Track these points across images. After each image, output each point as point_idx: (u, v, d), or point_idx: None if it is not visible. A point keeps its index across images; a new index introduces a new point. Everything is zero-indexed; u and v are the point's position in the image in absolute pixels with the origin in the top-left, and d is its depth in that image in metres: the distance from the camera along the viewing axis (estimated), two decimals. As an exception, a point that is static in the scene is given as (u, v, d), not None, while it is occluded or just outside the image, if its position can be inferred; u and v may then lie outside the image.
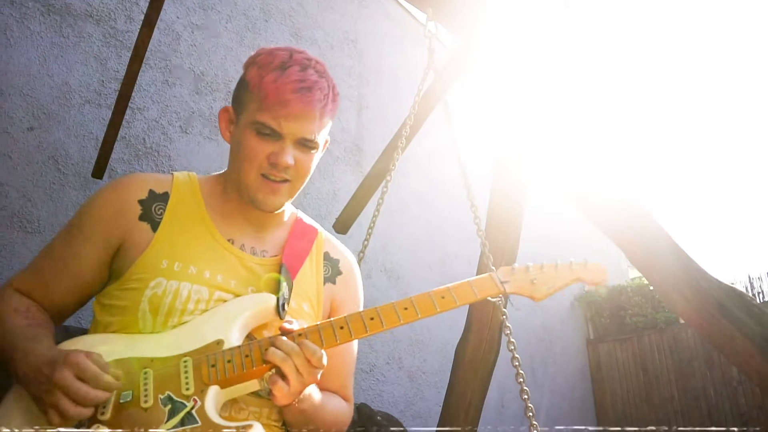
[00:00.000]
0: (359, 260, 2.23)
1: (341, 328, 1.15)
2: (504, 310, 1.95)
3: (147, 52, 2.61)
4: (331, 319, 1.17)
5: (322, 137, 1.22)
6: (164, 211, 1.23)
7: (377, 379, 4.03)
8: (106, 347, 1.10)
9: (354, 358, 1.36)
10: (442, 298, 1.22)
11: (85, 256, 1.20)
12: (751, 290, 5.07)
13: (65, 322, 1.29)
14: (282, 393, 1.05)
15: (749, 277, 5.10)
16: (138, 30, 3.31)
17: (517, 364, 1.80)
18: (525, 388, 1.75)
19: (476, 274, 1.80)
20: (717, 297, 2.09)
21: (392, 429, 2.39)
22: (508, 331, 1.91)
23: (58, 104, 2.98)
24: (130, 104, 2.79)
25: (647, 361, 5.35)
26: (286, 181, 1.20)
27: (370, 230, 2.45)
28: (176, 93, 3.45)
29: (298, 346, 1.07)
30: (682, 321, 5.24)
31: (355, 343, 1.35)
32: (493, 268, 1.98)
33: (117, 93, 3.10)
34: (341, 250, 1.39)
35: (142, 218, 1.20)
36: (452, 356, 2.77)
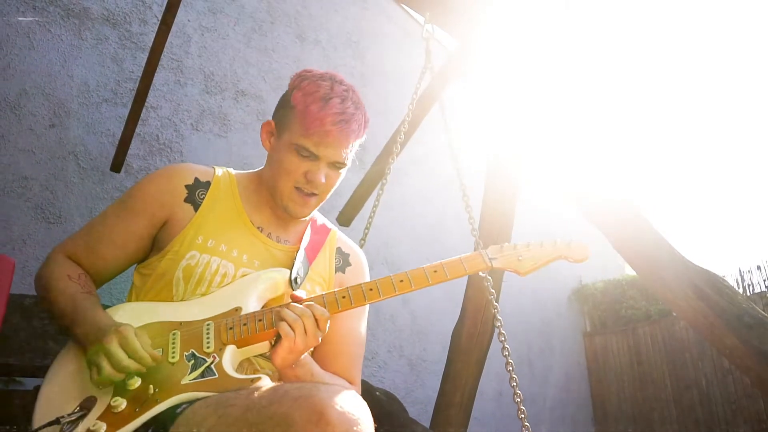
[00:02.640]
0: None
1: (343, 297, 1.30)
2: (491, 290, 2.11)
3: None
4: (335, 290, 1.34)
5: (350, 158, 1.41)
6: (205, 196, 1.41)
7: (379, 366, 4.20)
8: (146, 314, 1.28)
9: (360, 344, 1.48)
10: (435, 272, 1.33)
11: (134, 228, 1.38)
12: (742, 282, 5.19)
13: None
14: (287, 346, 1.19)
15: (740, 270, 5.21)
16: (151, 32, 3.49)
17: (503, 339, 1.96)
18: (510, 360, 1.91)
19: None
20: (692, 279, 2.25)
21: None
22: (496, 310, 2.07)
23: (78, 103, 3.16)
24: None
25: (641, 352, 5.49)
26: (314, 195, 1.39)
27: (370, 220, 2.62)
28: (187, 92, 3.62)
29: (308, 309, 1.23)
30: (675, 313, 5.37)
31: (362, 328, 1.49)
32: (481, 242, 2.14)
33: (132, 92, 3.29)
34: (352, 246, 1.58)
35: (186, 200, 1.39)
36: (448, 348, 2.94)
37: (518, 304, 5.26)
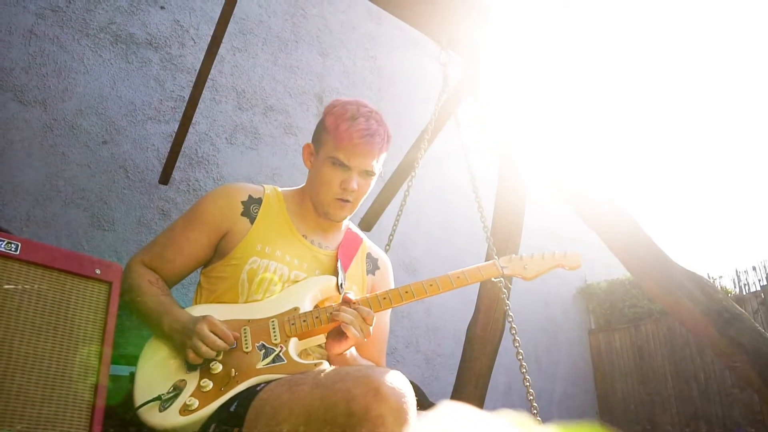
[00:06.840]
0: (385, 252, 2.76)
1: (384, 298, 1.64)
2: (504, 290, 2.41)
3: (195, 74, 3.10)
4: (377, 293, 1.66)
5: (378, 167, 1.71)
6: (258, 210, 1.73)
7: (397, 360, 4.51)
8: (217, 313, 1.57)
9: (386, 334, 1.85)
10: (458, 278, 1.68)
11: (200, 239, 1.69)
12: (738, 282, 5.45)
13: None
14: (350, 337, 1.52)
15: (736, 271, 5.47)
16: (189, 54, 3.82)
17: (514, 332, 2.27)
18: (520, 351, 2.22)
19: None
20: (680, 279, 2.55)
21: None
22: (507, 307, 2.38)
23: (126, 121, 3.49)
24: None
25: (643, 348, 5.77)
26: (348, 201, 1.69)
27: (394, 227, 2.93)
28: (222, 109, 3.95)
29: (356, 311, 1.55)
30: (666, 310, 5.63)
31: (388, 322, 1.84)
32: (496, 257, 2.45)
33: (174, 110, 3.62)
34: (379, 252, 1.91)
35: (243, 214, 1.70)
36: (463, 342, 3.25)
37: (526, 304, 5.56)
